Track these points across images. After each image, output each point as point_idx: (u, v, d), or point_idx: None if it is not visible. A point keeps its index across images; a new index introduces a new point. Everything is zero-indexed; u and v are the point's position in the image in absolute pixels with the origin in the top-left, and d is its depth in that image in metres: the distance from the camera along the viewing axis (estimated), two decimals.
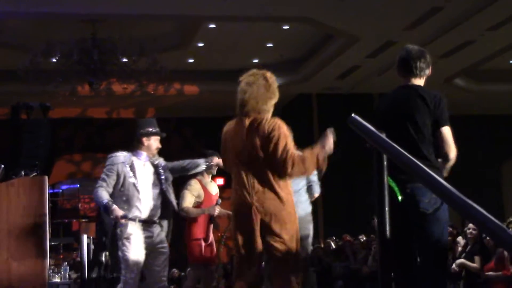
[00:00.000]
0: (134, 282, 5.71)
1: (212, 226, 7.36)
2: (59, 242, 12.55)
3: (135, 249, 5.72)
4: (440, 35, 13.66)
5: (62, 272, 11.17)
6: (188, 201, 7.20)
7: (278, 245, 4.46)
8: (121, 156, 5.90)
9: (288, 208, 4.51)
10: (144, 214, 5.83)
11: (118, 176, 5.81)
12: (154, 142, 6.02)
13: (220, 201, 7.28)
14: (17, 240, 4.93)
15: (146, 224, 5.83)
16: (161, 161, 6.11)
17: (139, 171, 5.89)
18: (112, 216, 5.60)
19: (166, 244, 6.00)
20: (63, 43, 13.47)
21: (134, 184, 5.82)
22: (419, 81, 4.65)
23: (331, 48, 14.56)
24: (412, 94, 4.55)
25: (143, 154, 5.96)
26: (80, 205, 15.14)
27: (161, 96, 16.90)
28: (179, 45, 14.74)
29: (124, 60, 14.12)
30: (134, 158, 5.93)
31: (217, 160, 6.16)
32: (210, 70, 15.85)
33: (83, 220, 15.51)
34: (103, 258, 8.52)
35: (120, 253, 5.72)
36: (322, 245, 13.94)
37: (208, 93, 16.58)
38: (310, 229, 7.14)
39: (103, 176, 5.79)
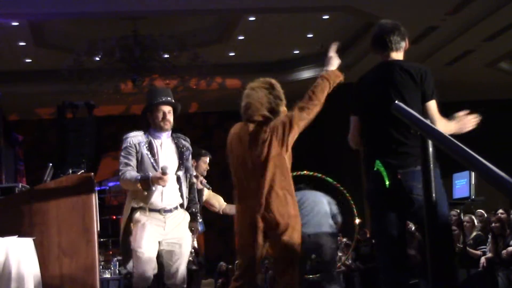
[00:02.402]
0: (147, 276, 5.07)
1: None
2: (108, 238, 12.70)
3: (145, 239, 5.05)
4: (483, 18, 13.45)
5: (112, 268, 11.33)
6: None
7: (283, 245, 4.46)
8: (138, 135, 5.31)
9: (292, 211, 4.51)
10: (165, 201, 5.16)
11: (136, 157, 5.20)
12: (159, 114, 5.32)
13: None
14: (68, 237, 4.99)
15: (158, 213, 5.16)
16: (186, 143, 5.43)
17: (158, 151, 5.25)
18: (155, 183, 4.99)
19: (183, 242, 5.23)
20: (105, 42, 13.61)
21: (153, 167, 5.17)
22: (397, 55, 4.36)
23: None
24: (395, 69, 4.27)
25: (161, 133, 5.31)
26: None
27: (203, 91, 16.96)
28: (220, 39, 14.77)
29: (166, 56, 14.21)
30: (151, 138, 5.29)
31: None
32: (252, 63, 15.85)
33: None
34: None
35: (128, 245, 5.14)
36: None
37: None
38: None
39: (123, 160, 5.20)
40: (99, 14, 13.00)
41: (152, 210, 5.15)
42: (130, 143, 5.24)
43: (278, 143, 4.54)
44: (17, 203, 5.16)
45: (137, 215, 5.15)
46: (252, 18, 13.68)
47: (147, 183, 5.06)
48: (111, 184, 16.40)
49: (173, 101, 5.46)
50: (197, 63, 14.26)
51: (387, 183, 4.04)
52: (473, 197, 7.53)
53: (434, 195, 2.51)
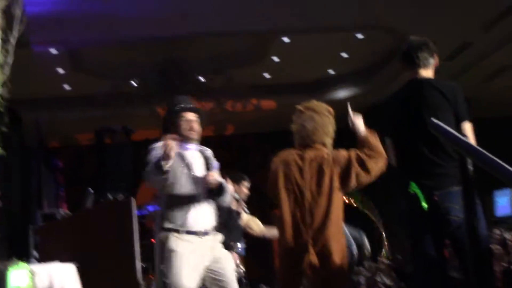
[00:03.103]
0: None
1: None
2: (149, 262, 12.72)
3: (185, 273, 4.41)
4: None
5: None
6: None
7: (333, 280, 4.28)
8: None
9: (344, 247, 4.40)
10: (200, 223, 4.58)
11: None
12: (183, 123, 4.78)
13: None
14: (109, 262, 5.03)
15: (196, 235, 4.54)
16: (210, 154, 4.85)
17: (191, 162, 4.70)
18: (169, 150, 4.37)
19: (228, 266, 4.67)
20: (141, 66, 13.74)
21: (188, 179, 4.61)
22: (427, 72, 4.28)
23: None
24: (427, 87, 4.16)
25: (188, 144, 4.77)
26: None
27: (239, 112, 17.01)
28: (254, 60, 14.82)
29: (201, 78, 14.29)
30: (179, 151, 4.68)
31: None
32: (287, 84, 15.85)
33: None
34: None
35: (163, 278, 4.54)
36: None
37: (286, 107, 16.54)
38: None
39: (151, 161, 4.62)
40: (135, 39, 13.14)
41: (189, 232, 4.54)
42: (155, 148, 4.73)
43: (340, 177, 4.36)
44: (59, 229, 5.22)
45: (172, 241, 4.51)
46: (286, 39, 13.72)
47: (166, 157, 4.41)
48: (151, 208, 16.48)
49: (197, 108, 4.93)
50: (232, 85, 14.31)
51: (424, 205, 3.97)
52: None
53: (474, 217, 2.49)
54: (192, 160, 4.73)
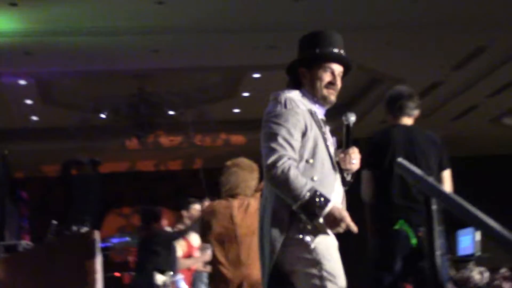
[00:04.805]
0: None
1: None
2: None
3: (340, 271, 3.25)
4: (486, 74, 13.53)
5: None
6: (178, 251, 7.04)
7: None
8: (305, 103, 3.44)
9: None
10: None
11: (303, 136, 3.29)
12: (325, 75, 3.46)
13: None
14: None
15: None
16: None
17: (328, 136, 3.47)
18: (330, 219, 3.09)
19: None
20: (111, 99, 13.71)
21: (329, 155, 3.36)
22: (408, 121, 4.62)
23: (376, 92, 14.53)
24: (421, 134, 4.50)
25: (322, 108, 3.54)
26: (130, 258, 15.19)
27: (208, 147, 17.01)
28: (225, 96, 14.87)
29: (171, 112, 14.29)
30: (313, 108, 3.45)
31: None
32: (256, 119, 15.85)
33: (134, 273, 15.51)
34: None
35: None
36: None
37: (255, 142, 16.56)
38: None
39: (281, 134, 3.29)
40: (106, 73, 13.13)
41: None
42: (295, 111, 3.35)
43: None
44: (20, 261, 5.15)
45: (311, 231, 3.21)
46: (256, 75, 13.79)
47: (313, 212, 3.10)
48: (115, 241, 16.33)
49: (349, 61, 3.59)
50: (202, 120, 14.33)
51: (413, 241, 4.17)
52: (478, 254, 7.49)
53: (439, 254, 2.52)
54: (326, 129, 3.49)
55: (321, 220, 3.10)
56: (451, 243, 4.48)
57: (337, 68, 3.52)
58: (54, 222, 5.93)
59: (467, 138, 16.93)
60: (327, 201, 3.13)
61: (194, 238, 7.26)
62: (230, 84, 14.42)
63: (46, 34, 10.85)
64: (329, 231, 3.26)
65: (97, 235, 5.24)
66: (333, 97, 3.54)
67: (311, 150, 3.32)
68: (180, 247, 7.03)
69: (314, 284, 3.18)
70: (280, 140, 3.27)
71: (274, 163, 3.19)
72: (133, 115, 13.95)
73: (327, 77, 3.49)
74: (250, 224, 4.97)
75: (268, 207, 3.28)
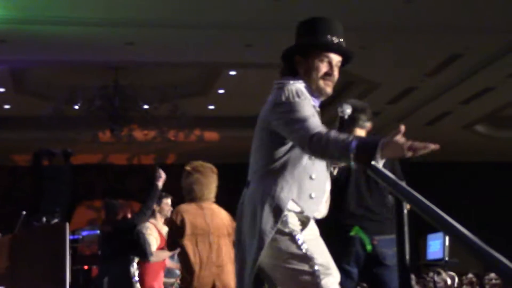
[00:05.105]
0: None
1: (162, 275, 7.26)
2: None
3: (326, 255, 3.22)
4: (460, 81, 13.66)
5: None
6: (154, 245, 7.01)
7: None
8: (307, 92, 3.26)
9: None
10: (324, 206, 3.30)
11: None
12: (322, 65, 3.27)
13: None
14: (39, 287, 4.94)
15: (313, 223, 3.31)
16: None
17: None
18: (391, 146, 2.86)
19: None
20: (85, 90, 13.61)
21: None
22: (363, 133, 4.80)
23: (351, 95, 14.60)
24: None
25: (318, 100, 3.35)
26: (99, 251, 15.10)
27: (182, 142, 16.96)
28: (200, 92, 14.84)
29: (145, 106, 14.23)
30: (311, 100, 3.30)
31: None
32: (231, 117, 15.90)
33: None
34: None
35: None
36: None
37: (229, 139, 16.61)
38: None
39: (308, 112, 3.12)
40: (81, 63, 13.04)
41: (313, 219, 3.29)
42: (303, 94, 3.22)
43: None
44: None
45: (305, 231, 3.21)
46: (232, 73, 13.78)
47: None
48: (84, 233, 16.25)
49: (350, 51, 3.40)
50: (177, 115, 14.29)
51: (368, 247, 4.27)
52: (446, 258, 7.56)
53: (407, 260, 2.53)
54: None
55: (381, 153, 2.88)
56: (421, 248, 4.62)
57: (335, 58, 3.30)
58: (23, 212, 5.88)
59: (440, 144, 17.05)
60: (376, 136, 3.05)
61: (164, 229, 7.26)
62: (206, 81, 14.39)
63: (21, 22, 10.75)
64: (312, 223, 3.23)
65: (66, 227, 5.21)
66: (329, 89, 3.29)
67: None
68: (154, 240, 7.03)
69: (304, 280, 3.07)
70: (309, 119, 3.08)
71: (312, 136, 2.98)
72: (107, 108, 13.86)
73: (323, 68, 3.27)
74: (217, 227, 5.25)
75: (250, 205, 3.17)
